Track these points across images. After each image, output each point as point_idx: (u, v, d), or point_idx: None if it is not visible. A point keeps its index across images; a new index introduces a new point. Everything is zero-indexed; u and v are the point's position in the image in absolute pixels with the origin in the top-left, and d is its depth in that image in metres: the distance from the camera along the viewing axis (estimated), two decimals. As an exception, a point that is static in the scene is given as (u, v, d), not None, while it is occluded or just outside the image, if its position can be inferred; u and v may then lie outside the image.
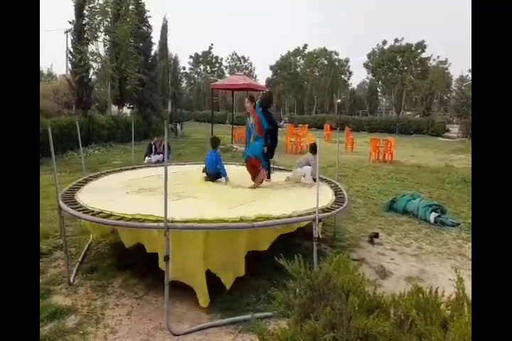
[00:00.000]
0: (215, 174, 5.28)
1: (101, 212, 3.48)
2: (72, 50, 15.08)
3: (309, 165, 5.38)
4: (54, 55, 54.52)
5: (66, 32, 15.87)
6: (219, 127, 25.86)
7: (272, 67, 54.70)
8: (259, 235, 3.51)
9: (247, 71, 53.72)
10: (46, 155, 3.75)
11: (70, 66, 15.54)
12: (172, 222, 2.98)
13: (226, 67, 58.34)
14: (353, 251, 4.64)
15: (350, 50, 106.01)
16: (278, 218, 3.36)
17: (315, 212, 3.37)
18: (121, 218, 3.25)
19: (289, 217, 3.43)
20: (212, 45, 58.10)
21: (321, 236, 3.72)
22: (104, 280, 3.69)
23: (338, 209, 3.85)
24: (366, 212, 6.38)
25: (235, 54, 58.10)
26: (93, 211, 3.57)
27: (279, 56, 56.06)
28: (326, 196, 4.36)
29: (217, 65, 57.74)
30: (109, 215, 3.37)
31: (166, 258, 2.76)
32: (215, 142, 5.46)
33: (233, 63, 58.31)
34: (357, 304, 1.62)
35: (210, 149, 5.43)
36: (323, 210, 3.70)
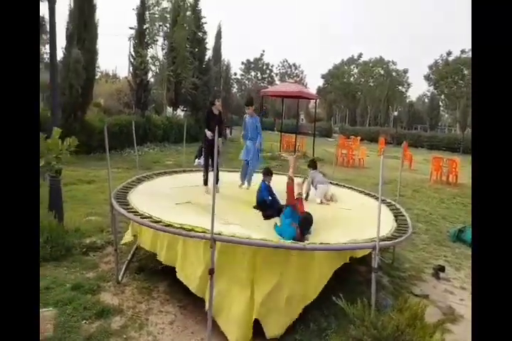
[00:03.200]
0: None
1: (150, 217, 3.43)
2: (133, 53, 15.73)
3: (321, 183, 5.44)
4: (119, 58, 57.75)
5: (129, 38, 16.55)
6: (267, 134, 25.49)
7: (323, 76, 53.35)
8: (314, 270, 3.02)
9: (298, 79, 52.64)
10: (103, 152, 3.83)
11: (131, 69, 16.20)
12: (219, 234, 2.82)
13: (277, 74, 57.58)
14: (414, 284, 4.07)
15: (409, 61, 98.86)
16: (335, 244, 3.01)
17: (374, 240, 2.92)
18: (169, 225, 3.16)
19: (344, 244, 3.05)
20: (263, 51, 57.95)
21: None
22: (150, 282, 3.65)
23: (401, 238, 3.40)
24: (429, 240, 5.70)
25: (286, 61, 57.36)
26: (142, 214, 3.54)
27: (331, 65, 54.47)
28: (387, 221, 3.91)
29: (267, 71, 57.33)
30: (158, 221, 3.30)
31: (211, 272, 2.60)
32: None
33: (284, 70, 57.49)
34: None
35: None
36: (384, 239, 3.23)
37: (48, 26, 10.81)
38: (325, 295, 2.99)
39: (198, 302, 3.24)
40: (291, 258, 2.92)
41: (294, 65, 57.31)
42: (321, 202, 5.31)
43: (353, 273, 4.05)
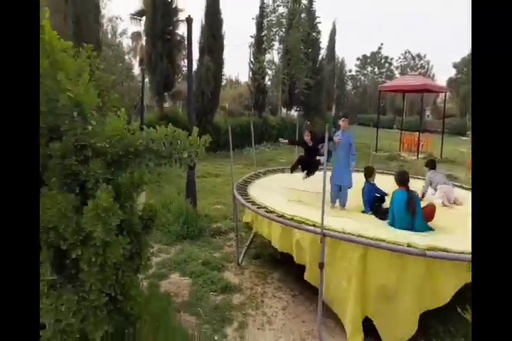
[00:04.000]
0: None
1: (265, 208, 3.68)
2: (253, 60, 16.79)
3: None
4: (241, 65, 62.20)
5: (249, 46, 17.72)
6: (385, 132, 23.34)
7: (455, 65, 46.20)
8: (438, 278, 2.66)
9: (423, 70, 46.90)
10: (227, 150, 4.28)
11: (250, 74, 17.33)
12: (328, 229, 2.83)
13: (397, 68, 52.26)
14: None
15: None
16: (462, 253, 2.52)
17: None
18: (282, 216, 3.33)
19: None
20: (381, 44, 53.86)
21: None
22: (266, 268, 3.91)
23: None
24: None
25: (409, 52, 51.64)
26: (259, 205, 3.81)
27: (466, 51, 46.55)
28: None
29: (386, 65, 52.79)
30: (272, 212, 3.52)
31: (321, 266, 2.63)
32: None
33: (406, 63, 51.80)
34: None
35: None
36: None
37: (185, 43, 12.58)
38: (453, 311, 2.56)
39: (309, 292, 3.33)
40: (409, 261, 2.66)
41: (419, 55, 51.18)
42: (444, 204, 4.74)
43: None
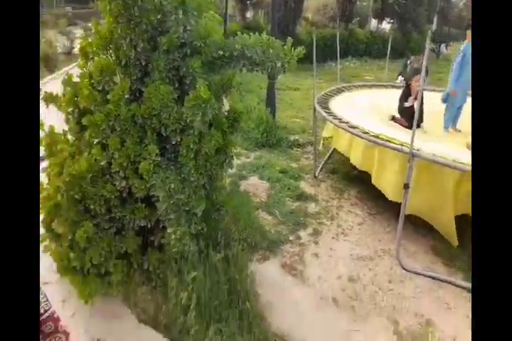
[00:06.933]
0: None
1: (348, 123, 3.42)
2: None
3: None
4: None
5: None
6: None
7: None
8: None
9: None
10: (308, 63, 3.91)
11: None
12: (418, 150, 2.56)
13: None
14: None
15: None
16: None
17: None
18: (366, 132, 3.07)
19: None
20: None
21: None
22: (342, 184, 3.84)
23: None
24: None
25: None
26: (341, 119, 3.55)
27: None
28: None
29: None
30: (355, 127, 3.26)
31: (406, 186, 2.47)
32: None
33: None
34: None
35: None
36: None
37: None
38: None
39: (388, 215, 3.22)
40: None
41: None
42: None
43: None
